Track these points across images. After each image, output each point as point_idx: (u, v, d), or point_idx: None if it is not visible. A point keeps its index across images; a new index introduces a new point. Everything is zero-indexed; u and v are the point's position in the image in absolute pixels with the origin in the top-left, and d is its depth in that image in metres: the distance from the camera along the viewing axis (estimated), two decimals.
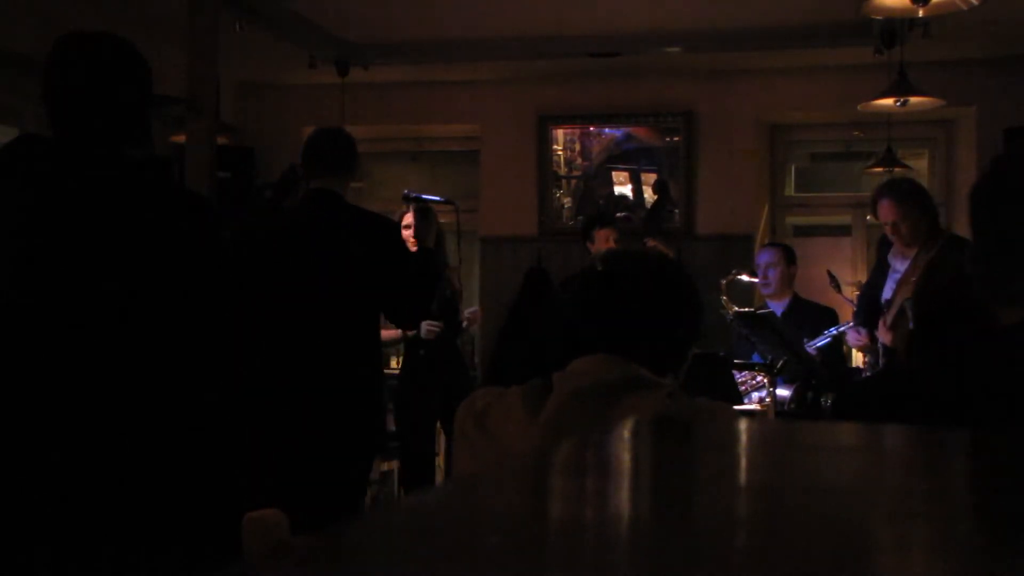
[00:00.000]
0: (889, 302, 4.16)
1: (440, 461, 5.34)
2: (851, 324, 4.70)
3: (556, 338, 1.88)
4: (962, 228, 6.40)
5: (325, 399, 3.53)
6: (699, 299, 1.88)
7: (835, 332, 4.91)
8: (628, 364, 1.77)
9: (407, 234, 4.84)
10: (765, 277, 5.28)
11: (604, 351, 1.79)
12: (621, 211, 6.86)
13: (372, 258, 3.57)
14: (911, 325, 4.00)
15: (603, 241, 5.55)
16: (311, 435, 3.52)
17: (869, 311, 4.35)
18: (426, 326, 4.99)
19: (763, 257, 5.40)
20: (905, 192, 4.19)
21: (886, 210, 4.15)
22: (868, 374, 4.34)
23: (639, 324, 1.81)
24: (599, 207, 6.80)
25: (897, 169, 5.83)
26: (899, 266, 4.23)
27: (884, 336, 4.10)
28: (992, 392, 1.61)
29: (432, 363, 5.00)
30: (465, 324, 5.23)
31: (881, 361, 4.21)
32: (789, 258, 5.35)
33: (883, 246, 4.42)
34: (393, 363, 7.21)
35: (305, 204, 3.77)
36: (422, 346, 5.05)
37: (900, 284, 4.17)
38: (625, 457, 0.94)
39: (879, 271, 4.43)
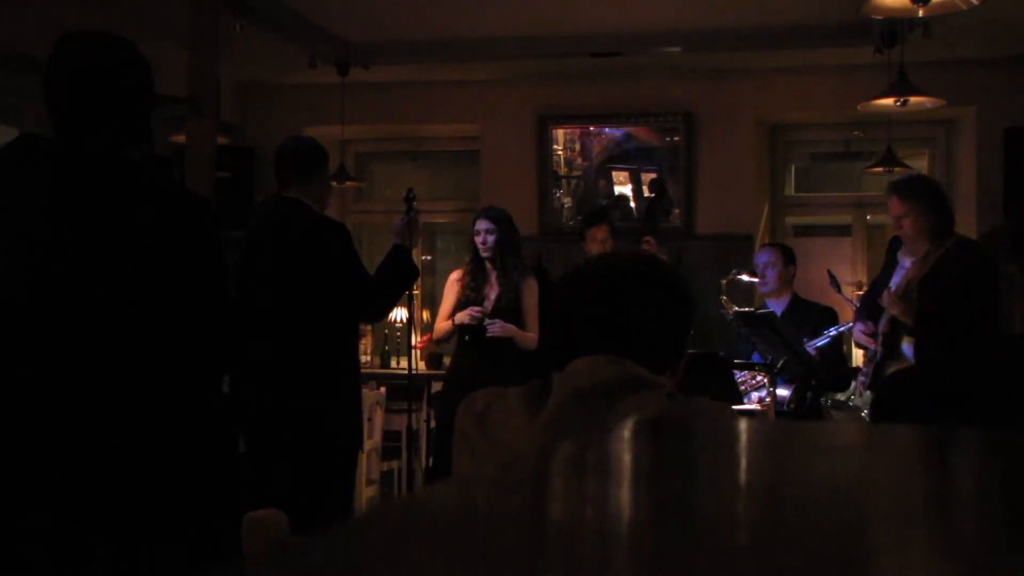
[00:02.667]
0: (896, 288, 4.16)
1: None
2: (853, 323, 4.70)
3: (555, 338, 1.88)
4: (963, 227, 6.41)
5: (287, 396, 3.68)
6: (690, 295, 1.89)
7: (835, 332, 4.91)
8: (627, 364, 1.77)
9: (478, 240, 4.95)
10: (763, 277, 5.28)
11: (602, 351, 1.79)
12: (620, 211, 6.86)
13: (324, 261, 3.74)
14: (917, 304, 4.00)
15: (595, 240, 5.54)
16: (274, 437, 3.64)
17: (873, 307, 4.34)
18: (467, 312, 4.96)
19: (761, 257, 5.40)
20: (910, 188, 4.19)
21: (892, 204, 4.17)
22: (866, 367, 4.35)
23: (633, 323, 1.81)
24: (598, 206, 6.79)
25: (897, 169, 5.83)
26: (907, 263, 4.23)
27: (892, 306, 4.08)
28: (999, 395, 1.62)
29: (477, 361, 4.96)
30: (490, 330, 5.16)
31: (878, 349, 4.21)
32: (787, 258, 5.35)
33: (893, 245, 4.42)
34: (393, 363, 7.23)
35: (268, 211, 3.95)
36: (467, 332, 5.03)
37: (906, 276, 4.17)
38: (625, 457, 0.95)
39: (887, 269, 4.42)
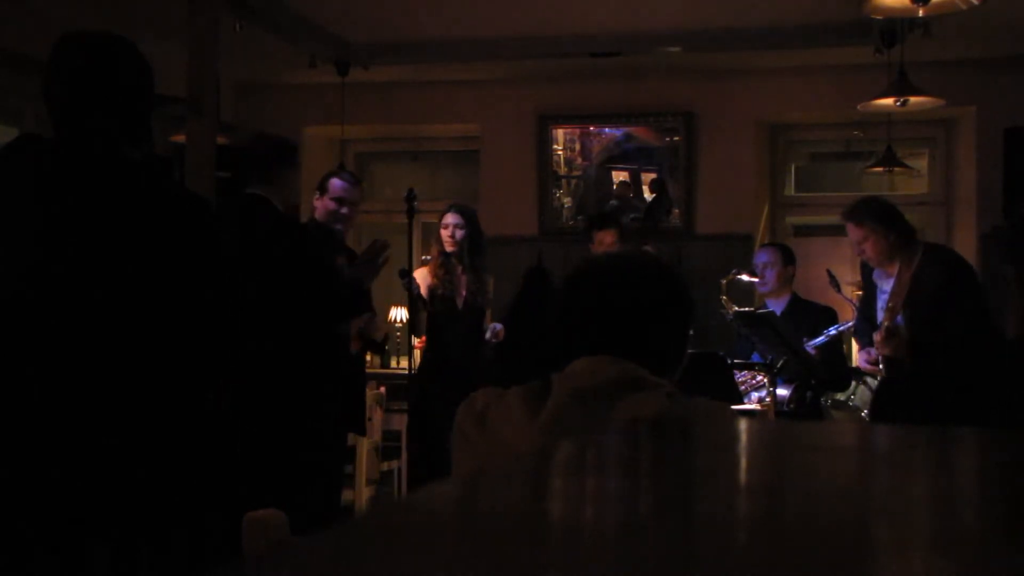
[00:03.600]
0: (882, 324, 4.19)
1: None
2: (852, 323, 4.71)
3: (555, 338, 1.88)
4: (963, 227, 6.42)
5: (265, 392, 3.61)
6: (690, 296, 1.89)
7: (834, 331, 4.92)
8: (627, 364, 1.77)
9: (445, 233, 4.92)
10: (762, 277, 5.30)
11: (602, 351, 1.79)
12: (623, 211, 6.85)
13: (283, 260, 3.60)
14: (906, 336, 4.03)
15: (604, 243, 5.54)
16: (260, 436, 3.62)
17: (870, 331, 4.36)
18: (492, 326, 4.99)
19: (760, 257, 5.41)
20: (862, 212, 4.23)
21: (849, 231, 4.23)
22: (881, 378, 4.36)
23: (634, 324, 1.81)
24: (601, 207, 6.79)
25: (897, 169, 5.83)
26: (885, 286, 4.26)
27: (881, 350, 4.12)
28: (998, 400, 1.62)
29: (448, 364, 4.96)
30: (489, 337, 5.16)
31: (883, 372, 4.22)
32: (786, 258, 5.35)
33: (866, 267, 4.46)
34: (393, 363, 7.23)
35: (234, 208, 3.82)
36: (440, 329, 5.02)
37: (889, 302, 4.19)
38: (625, 457, 0.94)
39: (868, 292, 4.46)
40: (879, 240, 4.12)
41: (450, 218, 5.01)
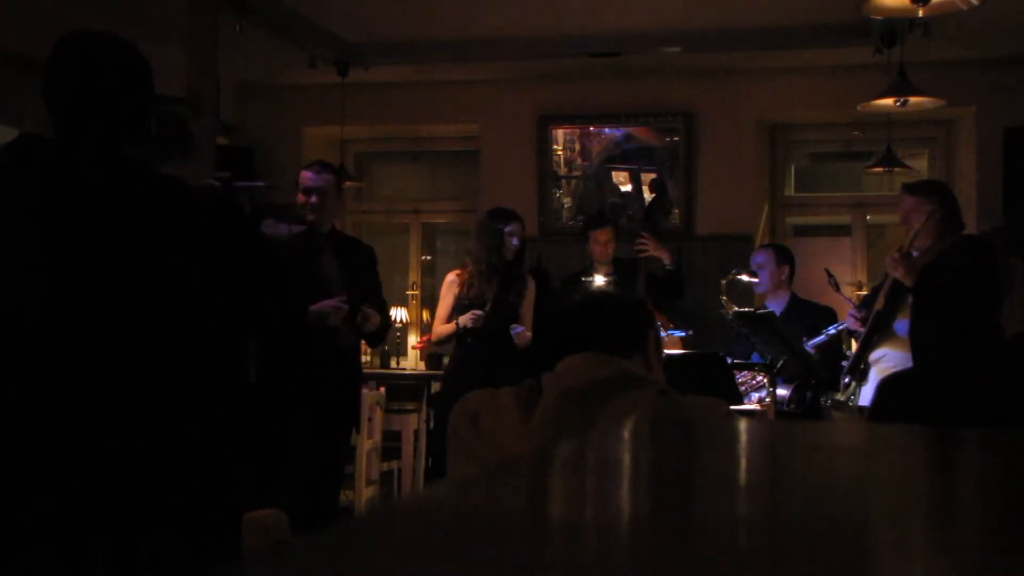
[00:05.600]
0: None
1: None
2: (853, 314, 4.72)
3: (549, 338, 1.92)
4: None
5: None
6: (641, 302, 2.18)
7: (833, 331, 4.92)
8: (618, 362, 1.79)
9: (511, 241, 4.94)
10: (759, 277, 5.32)
11: (589, 348, 1.82)
12: (622, 211, 6.86)
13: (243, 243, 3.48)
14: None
15: (600, 241, 5.55)
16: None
17: (872, 301, 4.38)
18: (469, 316, 4.96)
19: (756, 258, 5.43)
20: (918, 185, 4.30)
21: (903, 203, 4.23)
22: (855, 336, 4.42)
23: (604, 322, 1.93)
24: (600, 207, 6.79)
25: (897, 169, 5.83)
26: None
27: (895, 267, 4.11)
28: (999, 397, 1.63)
29: (478, 361, 4.94)
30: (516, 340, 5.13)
31: (861, 331, 4.27)
32: (780, 258, 5.36)
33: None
34: (393, 363, 7.23)
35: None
36: (469, 334, 5.02)
37: (914, 251, 4.22)
38: (620, 456, 0.95)
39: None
40: (924, 213, 4.14)
41: (515, 227, 5.07)
